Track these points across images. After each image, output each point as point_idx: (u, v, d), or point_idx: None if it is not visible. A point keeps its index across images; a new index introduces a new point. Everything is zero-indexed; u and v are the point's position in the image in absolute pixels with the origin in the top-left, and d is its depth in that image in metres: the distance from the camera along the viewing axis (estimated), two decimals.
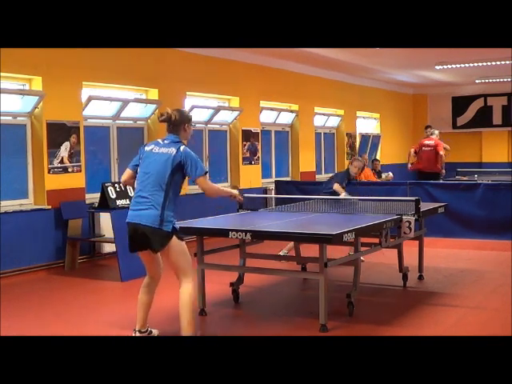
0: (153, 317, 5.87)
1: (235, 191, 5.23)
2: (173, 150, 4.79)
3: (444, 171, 12.69)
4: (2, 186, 7.91)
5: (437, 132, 12.94)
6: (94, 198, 8.47)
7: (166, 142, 4.90)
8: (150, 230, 4.66)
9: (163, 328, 5.52)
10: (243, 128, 11.77)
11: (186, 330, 4.77)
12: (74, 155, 8.51)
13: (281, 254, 8.10)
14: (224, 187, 5.60)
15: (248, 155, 11.95)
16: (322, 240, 5.16)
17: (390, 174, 15.53)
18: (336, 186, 8.16)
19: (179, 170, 4.76)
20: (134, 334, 5.05)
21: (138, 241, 4.78)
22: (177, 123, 4.95)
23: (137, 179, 4.88)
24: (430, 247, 8.06)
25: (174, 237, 4.74)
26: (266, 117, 12.72)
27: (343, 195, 7.96)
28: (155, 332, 5.18)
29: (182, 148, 4.82)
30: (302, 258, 7.35)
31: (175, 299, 6.56)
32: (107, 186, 7.78)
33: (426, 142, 12.86)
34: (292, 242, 7.56)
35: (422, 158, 12.87)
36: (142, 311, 5.03)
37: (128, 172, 5.01)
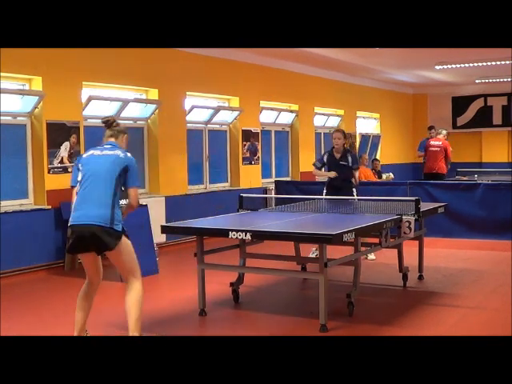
0: (152, 317, 5.88)
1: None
2: (119, 153, 4.79)
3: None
4: (2, 186, 7.91)
5: (444, 132, 12.69)
6: None
7: (107, 146, 4.88)
8: (101, 229, 4.59)
9: (163, 328, 5.52)
10: (243, 128, 11.77)
11: (134, 329, 4.74)
12: (73, 155, 8.50)
13: (311, 255, 8.04)
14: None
15: (248, 155, 11.95)
16: (322, 240, 5.16)
17: (391, 174, 15.54)
18: (313, 172, 8.39)
19: (124, 174, 4.75)
20: None
21: (85, 242, 4.66)
22: (119, 130, 4.98)
23: (81, 182, 4.75)
24: (429, 247, 8.06)
25: (124, 236, 4.71)
26: (266, 117, 12.72)
27: (324, 173, 8.13)
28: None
29: (128, 154, 4.84)
30: (302, 257, 7.35)
31: (175, 300, 6.58)
32: None
33: (432, 142, 12.70)
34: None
35: (427, 158, 12.76)
36: (80, 317, 4.89)
37: (76, 190, 4.80)
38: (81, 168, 4.80)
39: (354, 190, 8.19)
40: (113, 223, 4.63)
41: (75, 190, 4.80)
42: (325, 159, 8.22)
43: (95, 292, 4.98)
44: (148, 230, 7.88)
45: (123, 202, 4.96)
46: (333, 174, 8.03)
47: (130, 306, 4.76)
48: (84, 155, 4.93)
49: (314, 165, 8.38)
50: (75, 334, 4.87)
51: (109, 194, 4.66)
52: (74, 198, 4.79)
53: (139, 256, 7.82)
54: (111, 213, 4.63)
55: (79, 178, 4.77)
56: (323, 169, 8.33)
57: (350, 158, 8.12)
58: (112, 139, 4.95)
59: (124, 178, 4.75)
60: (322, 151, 14.82)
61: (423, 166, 13.10)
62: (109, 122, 5.01)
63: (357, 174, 8.25)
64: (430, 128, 13.62)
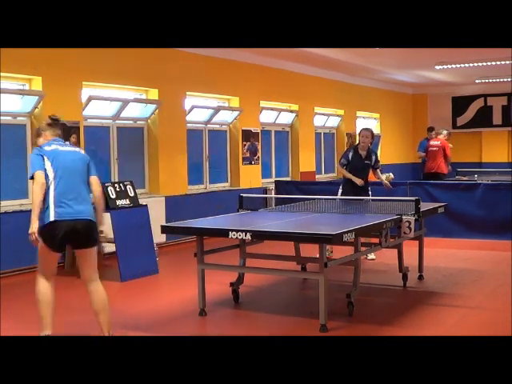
0: (152, 317, 5.88)
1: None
2: (80, 150, 5.14)
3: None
4: (2, 186, 7.91)
5: (445, 132, 12.75)
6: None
7: (61, 142, 4.99)
8: (90, 223, 4.78)
9: (163, 328, 5.52)
10: (243, 128, 11.77)
11: (108, 328, 4.85)
12: None
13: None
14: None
15: (248, 155, 11.95)
16: (322, 240, 5.16)
17: (391, 175, 15.53)
18: (338, 168, 8.50)
19: (88, 169, 4.95)
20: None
21: (76, 237, 4.73)
22: (63, 130, 5.22)
23: (55, 178, 4.72)
24: (429, 247, 8.06)
25: None
26: (266, 117, 12.72)
27: (352, 176, 8.09)
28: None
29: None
30: (301, 257, 7.35)
31: (175, 300, 6.58)
32: (107, 186, 7.77)
33: (432, 142, 12.78)
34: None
35: (427, 158, 12.83)
36: (51, 314, 4.81)
37: (42, 175, 4.70)
38: (47, 161, 4.74)
39: (370, 189, 8.35)
40: (95, 217, 4.85)
41: (41, 175, 4.67)
42: (350, 156, 8.23)
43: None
44: (148, 229, 7.88)
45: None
46: (360, 182, 8.09)
47: (104, 305, 4.89)
48: (46, 148, 4.83)
49: (340, 163, 8.39)
50: (48, 333, 4.72)
51: (86, 190, 4.87)
52: (42, 179, 4.66)
53: (139, 256, 7.85)
54: (92, 208, 4.86)
55: (51, 174, 4.71)
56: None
57: (373, 158, 8.30)
58: (59, 137, 5.04)
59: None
60: (322, 151, 14.86)
61: (423, 166, 13.12)
62: (58, 121, 5.11)
63: (379, 172, 8.45)
64: (430, 129, 13.65)
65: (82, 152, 5.07)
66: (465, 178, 13.07)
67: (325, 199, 7.54)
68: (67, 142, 5.17)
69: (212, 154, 11.37)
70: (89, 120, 9.05)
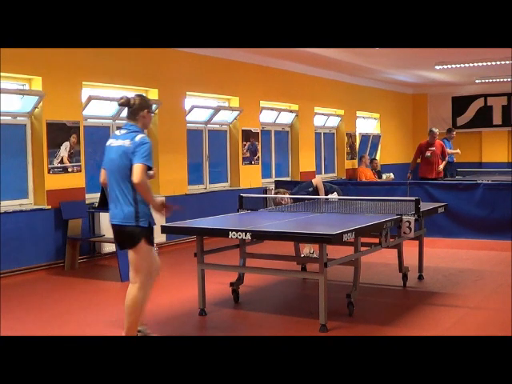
0: (152, 317, 5.87)
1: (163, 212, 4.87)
2: (128, 142, 4.60)
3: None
4: (2, 186, 7.91)
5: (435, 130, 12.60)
6: (93, 197, 8.48)
7: (122, 132, 4.71)
8: (120, 228, 4.71)
9: (163, 328, 5.52)
10: (243, 128, 11.77)
11: (127, 330, 4.80)
12: (73, 155, 8.52)
13: (306, 255, 8.05)
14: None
15: (248, 155, 11.95)
16: (322, 240, 5.16)
17: (391, 175, 15.58)
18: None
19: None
20: None
21: (118, 240, 4.90)
22: (136, 108, 4.73)
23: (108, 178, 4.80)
24: (429, 247, 8.06)
25: (145, 238, 4.69)
26: (266, 117, 12.72)
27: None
28: None
29: (137, 137, 4.61)
30: (301, 258, 7.35)
31: (175, 300, 6.59)
32: None
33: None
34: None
35: None
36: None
37: (103, 171, 4.88)
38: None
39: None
40: (138, 220, 4.63)
41: (103, 169, 4.89)
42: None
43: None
44: None
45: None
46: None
47: (127, 307, 4.82)
48: (107, 142, 4.82)
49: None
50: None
51: (122, 190, 4.63)
52: (101, 177, 4.91)
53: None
54: (131, 209, 4.62)
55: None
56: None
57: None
58: (129, 121, 4.76)
59: None
60: (322, 151, 14.87)
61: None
62: (124, 104, 4.77)
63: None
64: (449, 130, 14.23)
65: (127, 145, 4.57)
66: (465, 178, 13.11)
67: (324, 199, 7.54)
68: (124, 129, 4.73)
69: (212, 154, 11.37)
70: (89, 120, 9.05)
